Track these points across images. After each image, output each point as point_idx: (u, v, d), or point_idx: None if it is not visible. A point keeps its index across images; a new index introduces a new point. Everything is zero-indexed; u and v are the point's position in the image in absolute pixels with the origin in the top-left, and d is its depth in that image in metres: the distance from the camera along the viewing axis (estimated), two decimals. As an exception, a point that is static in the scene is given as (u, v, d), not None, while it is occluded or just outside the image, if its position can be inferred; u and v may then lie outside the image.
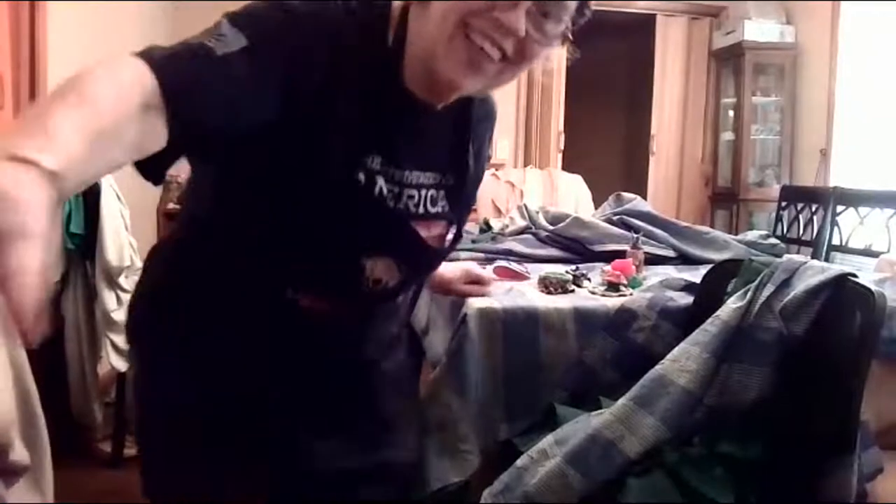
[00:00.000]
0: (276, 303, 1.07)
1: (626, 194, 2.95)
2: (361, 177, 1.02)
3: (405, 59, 1.01)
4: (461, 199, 1.18)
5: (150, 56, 0.78)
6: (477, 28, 0.92)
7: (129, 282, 2.96)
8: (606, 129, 7.26)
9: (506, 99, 5.57)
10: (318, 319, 1.09)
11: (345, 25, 0.98)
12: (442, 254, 1.21)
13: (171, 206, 4.92)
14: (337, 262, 1.06)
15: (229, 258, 1.06)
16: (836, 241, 3.31)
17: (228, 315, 1.07)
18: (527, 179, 4.35)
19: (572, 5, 0.97)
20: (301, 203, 0.99)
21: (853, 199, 3.29)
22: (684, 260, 2.44)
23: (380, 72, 1.01)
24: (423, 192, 1.10)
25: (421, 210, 1.10)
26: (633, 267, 2.08)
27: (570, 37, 1.02)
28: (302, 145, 0.96)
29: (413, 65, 1.01)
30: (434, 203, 1.12)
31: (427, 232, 1.12)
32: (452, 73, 0.96)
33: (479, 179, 1.28)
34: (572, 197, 4.17)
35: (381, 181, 1.03)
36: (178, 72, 0.79)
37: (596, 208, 3.65)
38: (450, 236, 1.19)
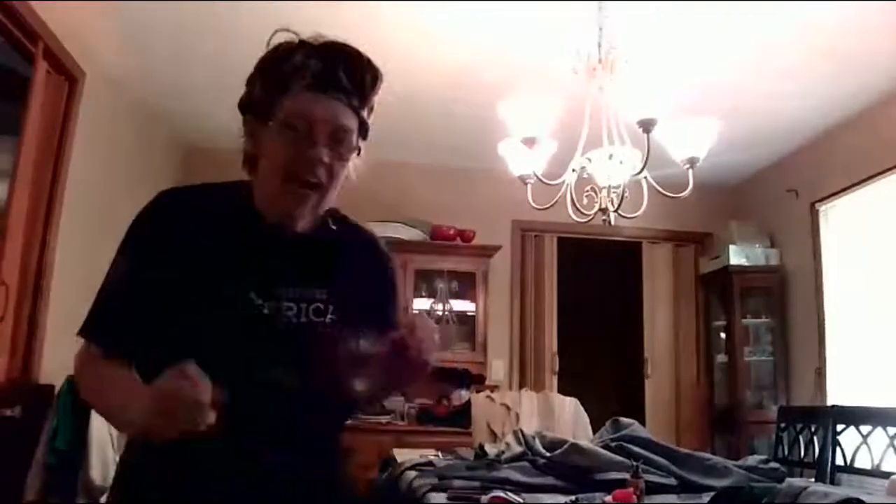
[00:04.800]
0: (212, 454, 1.14)
1: (623, 419, 2.93)
2: (239, 298, 1.21)
3: (256, 205, 1.28)
4: (357, 311, 1.28)
5: (83, 331, 1.26)
6: (295, 175, 1.20)
7: (110, 502, 2.86)
8: (601, 351, 7.32)
9: (499, 320, 5.67)
10: (254, 461, 1.20)
11: (202, 200, 1.31)
12: (342, 357, 1.23)
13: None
14: (244, 384, 1.13)
15: None
16: (839, 462, 3.23)
17: (176, 474, 1.18)
18: (522, 402, 4.32)
19: (353, 130, 1.24)
20: (195, 340, 1.16)
21: (853, 417, 3.26)
22: (685, 487, 2.37)
23: (240, 216, 1.27)
24: (304, 305, 1.25)
25: (304, 319, 1.25)
26: (635, 497, 2.02)
27: (360, 149, 1.27)
28: (186, 290, 1.20)
29: (263, 207, 1.27)
30: (320, 314, 1.26)
31: (315, 338, 1.25)
32: (288, 205, 1.23)
33: (384, 308, 1.39)
34: (569, 421, 4.12)
35: (253, 297, 1.22)
36: (96, 322, 1.25)
37: (594, 431, 3.60)
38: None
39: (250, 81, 1.27)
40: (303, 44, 1.24)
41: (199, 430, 0.99)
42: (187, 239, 1.23)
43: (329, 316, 1.27)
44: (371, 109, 1.29)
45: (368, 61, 1.25)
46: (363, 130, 1.27)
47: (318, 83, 1.20)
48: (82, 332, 1.25)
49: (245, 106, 1.27)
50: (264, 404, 1.19)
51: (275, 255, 1.26)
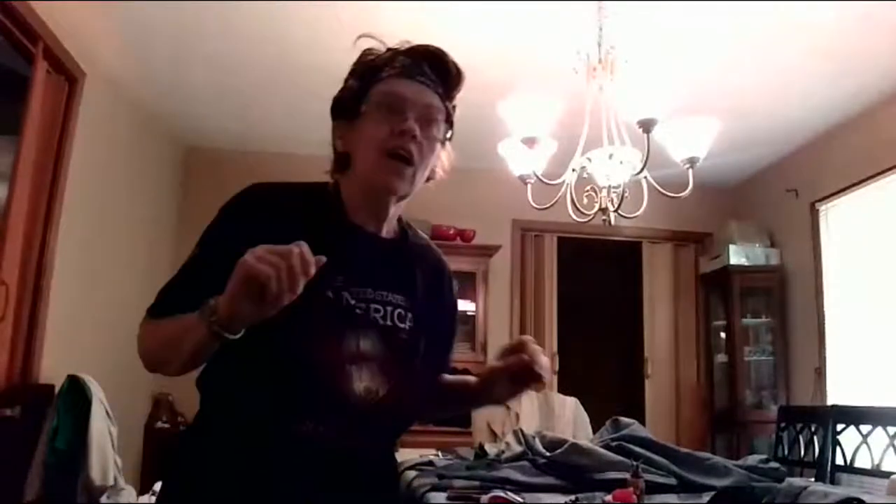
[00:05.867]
0: (284, 437, 1.20)
1: (623, 419, 2.93)
2: (330, 294, 1.23)
3: (346, 205, 1.33)
4: (429, 320, 1.36)
5: (152, 309, 1.25)
6: (391, 149, 1.26)
7: (110, 501, 2.86)
8: (601, 351, 7.32)
9: (499, 320, 5.66)
10: (323, 447, 1.22)
11: (292, 195, 1.32)
12: (420, 364, 1.33)
13: (159, 424, 4.83)
14: (327, 372, 1.20)
15: (240, 406, 1.22)
16: (839, 461, 3.23)
17: (246, 464, 1.21)
18: (522, 402, 4.32)
19: (442, 113, 1.32)
20: (286, 327, 1.14)
21: (853, 417, 3.26)
22: (685, 487, 2.37)
23: (328, 215, 1.30)
24: (390, 308, 1.30)
25: (389, 322, 1.29)
26: (635, 496, 2.02)
27: (448, 138, 1.36)
28: None
29: (354, 204, 1.32)
30: (402, 320, 1.31)
31: (397, 342, 1.29)
32: (386, 181, 1.28)
33: (450, 319, 1.50)
34: (569, 420, 4.12)
35: (346, 295, 1.25)
36: (159, 300, 1.25)
37: (594, 431, 3.61)
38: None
39: (343, 86, 1.34)
40: (391, 48, 1.33)
41: (287, 295, 1.03)
42: (277, 233, 1.19)
43: (408, 322, 1.31)
44: (454, 107, 1.38)
45: (451, 58, 1.35)
46: (449, 121, 1.35)
47: (406, 71, 1.30)
48: (150, 310, 1.25)
49: (337, 109, 1.34)
50: (349, 400, 1.22)
51: (362, 256, 1.30)
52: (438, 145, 1.33)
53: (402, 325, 1.30)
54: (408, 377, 1.30)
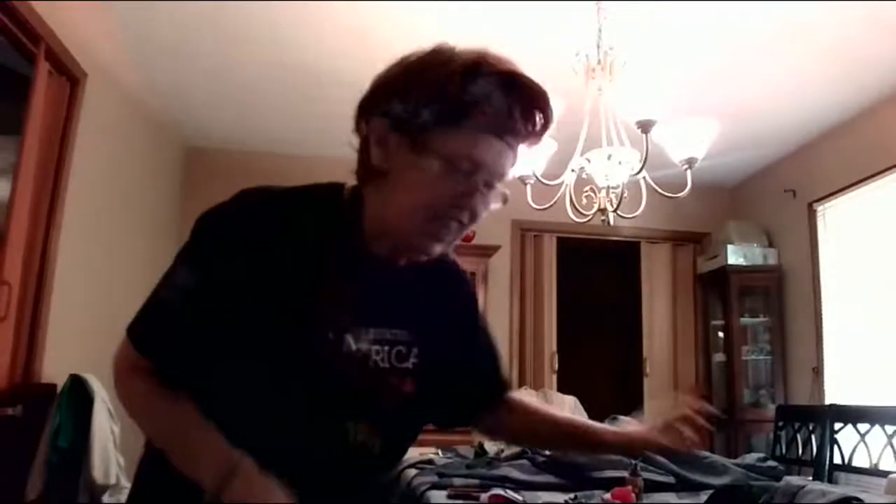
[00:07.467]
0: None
1: (622, 417, 2.94)
2: (332, 335, 1.10)
3: (365, 225, 1.14)
4: (443, 351, 1.23)
5: (133, 335, 1.12)
6: (441, 214, 1.08)
7: (112, 500, 2.87)
8: (600, 350, 7.33)
9: (499, 320, 5.67)
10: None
11: (297, 209, 1.14)
12: (416, 410, 1.22)
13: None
14: (322, 426, 1.11)
15: None
16: (837, 460, 3.25)
17: None
18: (522, 401, 4.33)
19: (510, 171, 1.13)
20: (280, 372, 1.07)
21: (851, 416, 3.27)
22: (684, 485, 2.39)
23: (339, 237, 1.14)
24: (387, 347, 1.15)
25: (387, 364, 1.15)
26: (633, 495, 2.04)
27: (507, 195, 1.15)
28: (271, 317, 1.08)
29: (376, 231, 1.14)
30: (403, 359, 1.17)
31: (394, 388, 1.17)
32: (425, 245, 1.12)
33: (469, 339, 1.35)
34: (568, 419, 4.13)
35: (349, 339, 1.11)
36: (147, 334, 1.12)
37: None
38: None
39: (405, 89, 1.08)
40: (479, 64, 1.07)
41: None
42: (278, 254, 1.09)
43: (412, 360, 1.18)
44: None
45: (549, 103, 1.14)
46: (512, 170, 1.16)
47: (495, 125, 1.07)
48: (131, 334, 1.12)
49: (391, 115, 1.08)
50: (343, 459, 1.14)
51: (372, 289, 1.15)
52: (497, 203, 1.15)
53: (401, 366, 1.16)
54: (405, 425, 1.23)
